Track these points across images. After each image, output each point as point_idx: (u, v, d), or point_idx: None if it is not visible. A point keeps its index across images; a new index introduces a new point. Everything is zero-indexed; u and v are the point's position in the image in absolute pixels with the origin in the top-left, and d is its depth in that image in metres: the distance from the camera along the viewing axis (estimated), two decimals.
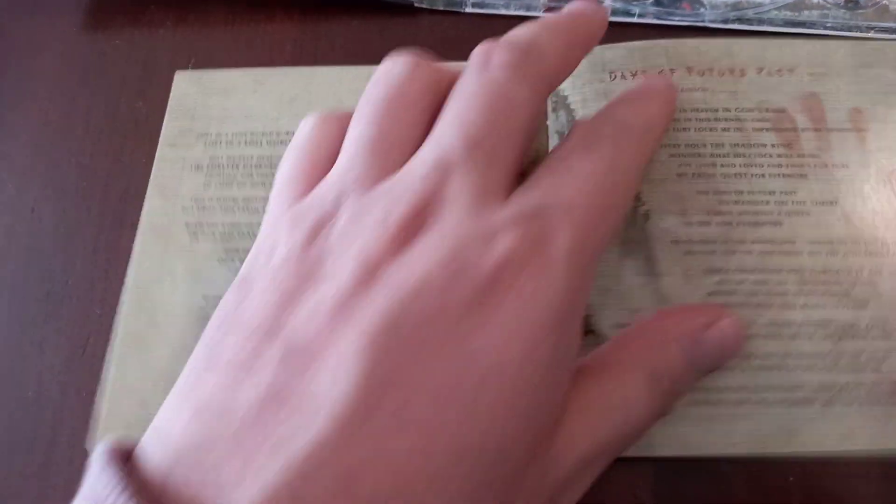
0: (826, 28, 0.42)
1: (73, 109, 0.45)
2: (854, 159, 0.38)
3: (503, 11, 0.45)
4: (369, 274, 0.23)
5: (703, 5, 0.44)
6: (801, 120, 0.39)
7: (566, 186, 0.26)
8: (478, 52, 0.29)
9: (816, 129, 0.38)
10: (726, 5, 0.44)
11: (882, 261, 0.35)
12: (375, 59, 0.33)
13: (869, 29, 0.42)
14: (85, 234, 0.41)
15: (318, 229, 0.26)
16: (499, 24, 0.44)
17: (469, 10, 0.45)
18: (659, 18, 0.44)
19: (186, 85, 0.44)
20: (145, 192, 0.41)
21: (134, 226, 0.40)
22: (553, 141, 0.39)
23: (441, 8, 0.45)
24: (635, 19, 0.44)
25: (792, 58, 0.40)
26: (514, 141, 0.27)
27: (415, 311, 0.22)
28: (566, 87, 0.40)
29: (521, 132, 0.27)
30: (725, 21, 0.43)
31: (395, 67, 0.30)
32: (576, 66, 0.33)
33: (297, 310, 0.23)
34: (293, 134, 0.40)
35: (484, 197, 0.25)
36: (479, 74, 0.28)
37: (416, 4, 0.45)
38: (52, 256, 0.41)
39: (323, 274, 0.24)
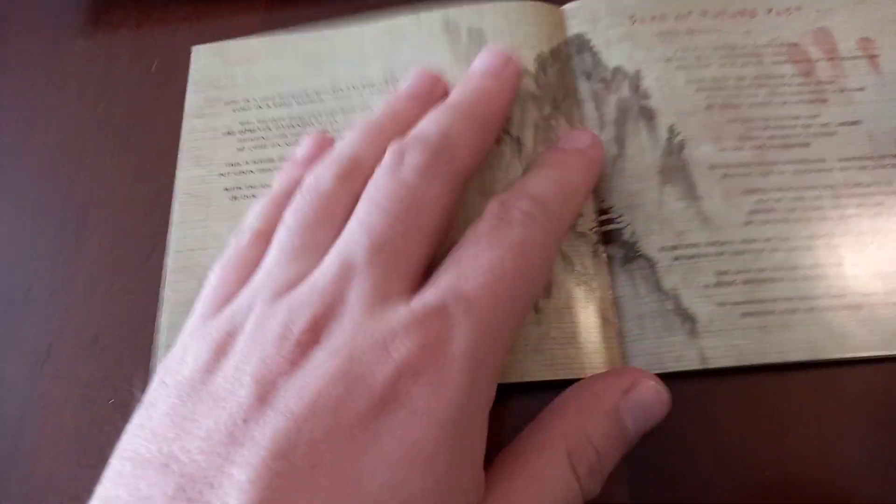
0: None
1: (33, 114, 0.43)
2: (870, 82, 0.38)
3: None
4: (265, 392, 0.22)
5: None
6: (814, 52, 0.39)
7: (468, 280, 0.25)
8: (390, 151, 0.28)
9: (830, 59, 0.39)
10: None
11: None
12: None
13: None
14: (45, 240, 0.40)
15: (225, 344, 0.24)
16: None
17: None
18: None
19: (207, 57, 0.43)
20: (107, 198, 0.40)
21: (96, 230, 0.39)
22: (581, 80, 0.39)
23: None
24: None
25: None
26: (421, 240, 0.27)
27: (307, 432, 0.21)
28: (588, 29, 0.40)
29: (431, 229, 0.27)
30: None
31: (320, 179, 0.29)
32: (489, 148, 0.33)
33: (192, 436, 0.22)
34: (321, 92, 0.40)
35: (384, 301, 0.24)
36: (390, 176, 0.27)
37: None
38: (11, 264, 0.39)
39: (221, 394, 0.23)
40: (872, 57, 0.39)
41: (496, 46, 0.36)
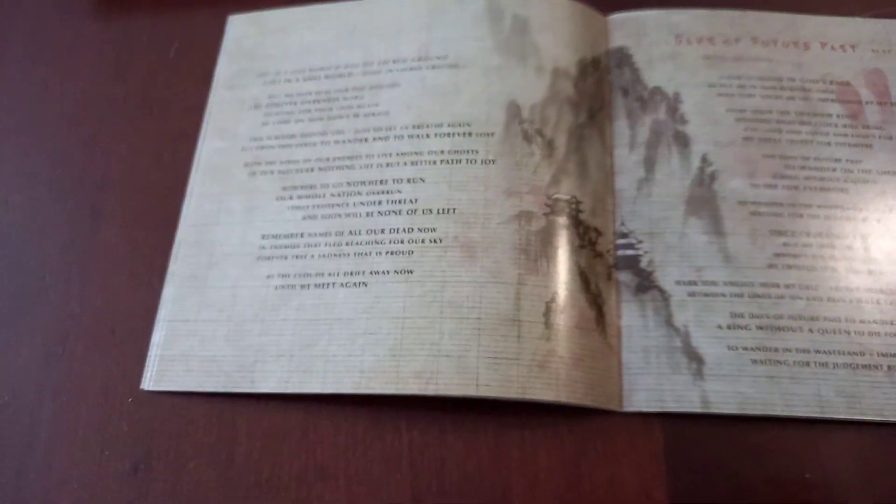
0: None
1: (44, 95, 0.42)
2: None
3: None
4: None
5: None
6: (865, 93, 0.37)
7: None
8: None
9: (881, 103, 0.37)
10: None
11: None
12: None
13: None
14: (60, 226, 0.38)
15: None
16: None
17: None
18: None
19: (244, 26, 0.42)
20: (121, 182, 0.38)
21: (112, 216, 0.37)
22: (616, 95, 0.37)
23: None
24: None
25: (854, 34, 0.38)
26: None
27: None
28: (631, 43, 0.38)
29: None
30: None
31: None
32: None
33: None
34: (351, 66, 0.38)
35: None
36: None
37: None
38: (24, 251, 0.37)
39: None
40: None
41: None
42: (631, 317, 0.33)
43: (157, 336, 0.34)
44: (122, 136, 0.40)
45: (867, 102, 0.37)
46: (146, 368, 0.34)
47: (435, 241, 0.33)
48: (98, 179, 0.39)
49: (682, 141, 0.36)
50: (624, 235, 0.34)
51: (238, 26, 0.42)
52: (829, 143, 0.35)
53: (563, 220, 0.34)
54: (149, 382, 0.33)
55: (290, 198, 0.36)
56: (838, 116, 0.36)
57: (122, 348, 0.35)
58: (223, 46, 0.41)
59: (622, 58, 0.38)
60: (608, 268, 0.34)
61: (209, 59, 0.41)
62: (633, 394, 0.31)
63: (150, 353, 0.34)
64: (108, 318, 0.35)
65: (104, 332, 0.35)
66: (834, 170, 0.35)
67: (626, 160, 0.36)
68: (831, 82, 0.37)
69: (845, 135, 0.36)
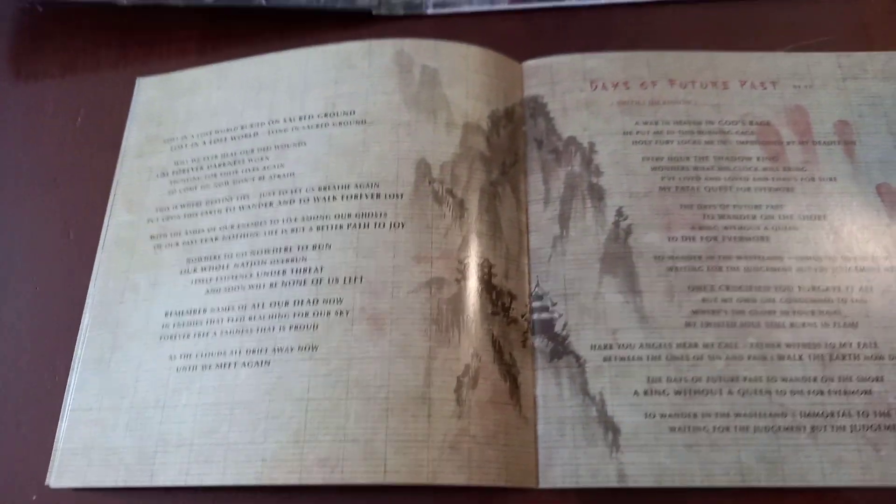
0: None
1: None
2: (842, 172, 0.34)
3: (467, 9, 0.41)
4: None
5: None
6: (786, 133, 0.35)
7: None
8: None
9: (802, 142, 0.35)
10: None
11: (873, 278, 0.32)
12: None
13: None
14: None
15: None
16: (464, 23, 0.41)
17: (431, 11, 0.41)
18: None
19: (152, 90, 0.40)
20: (27, 259, 0.36)
21: (16, 296, 0.36)
22: (531, 147, 0.35)
23: (401, 13, 0.41)
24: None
25: (775, 70, 0.37)
26: None
27: None
28: (545, 92, 0.36)
29: None
30: None
31: None
32: None
33: None
34: (257, 125, 0.36)
35: None
36: None
37: (374, 12, 0.41)
38: None
39: None
40: (848, 143, 0.35)
41: None
42: (547, 386, 0.31)
43: (62, 427, 0.32)
44: (28, 208, 0.38)
45: (788, 142, 0.35)
46: (51, 463, 0.32)
47: (341, 314, 0.31)
48: (2, 257, 0.37)
49: (597, 194, 0.34)
50: (539, 298, 0.32)
51: (146, 90, 0.40)
52: (748, 189, 0.34)
53: (475, 286, 0.32)
54: (53, 478, 0.31)
55: (194, 270, 0.34)
56: (758, 159, 0.35)
57: (27, 441, 0.33)
58: (131, 111, 0.39)
59: (536, 107, 0.36)
60: (523, 333, 0.32)
61: (118, 125, 0.39)
62: (550, 469, 0.30)
63: (55, 446, 0.32)
64: (13, 407, 0.33)
65: (9, 423, 0.33)
66: (754, 217, 0.33)
67: (541, 217, 0.34)
68: (751, 123, 0.35)
69: (765, 178, 0.34)
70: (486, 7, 0.41)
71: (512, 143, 0.36)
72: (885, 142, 0.35)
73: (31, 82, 0.42)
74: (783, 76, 0.37)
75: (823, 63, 0.37)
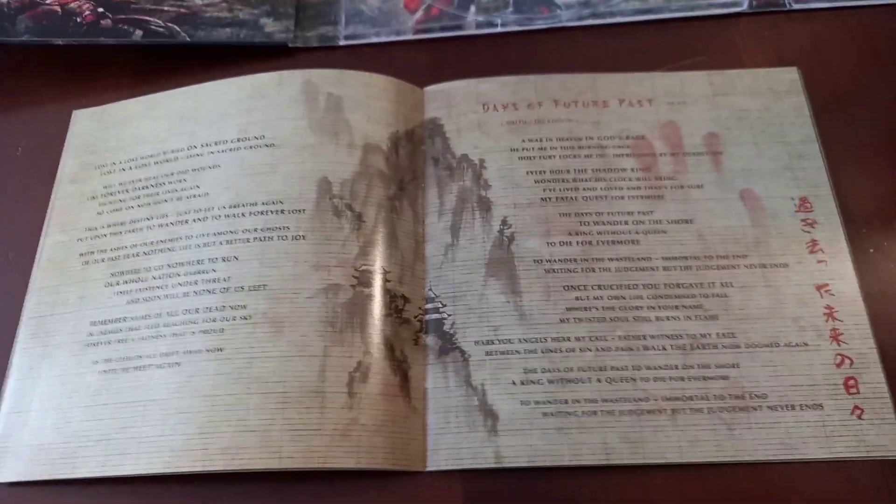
0: (671, 11, 0.44)
1: None
2: (709, 180, 0.37)
3: (375, 40, 0.45)
4: None
5: (558, 6, 0.44)
6: (660, 146, 0.39)
7: None
8: None
9: (673, 154, 0.38)
10: (580, 4, 0.44)
11: (733, 274, 0.35)
12: None
13: (709, 6, 0.44)
14: None
15: None
16: (373, 53, 0.44)
17: (343, 42, 0.45)
18: (521, 25, 0.44)
19: (87, 122, 0.43)
20: None
21: None
22: (429, 165, 0.39)
23: (315, 45, 0.45)
24: (499, 29, 0.44)
25: (651, 89, 0.40)
26: None
27: None
28: (443, 114, 0.40)
29: None
30: (581, 18, 0.44)
31: None
32: None
33: None
34: (177, 150, 0.40)
35: None
36: None
37: (290, 45, 0.44)
38: None
39: None
40: (716, 154, 0.38)
41: None
42: (435, 379, 0.34)
43: None
44: None
45: (661, 154, 0.38)
46: None
47: (245, 318, 0.34)
48: None
49: (485, 205, 0.37)
50: (431, 300, 0.35)
51: (81, 121, 0.43)
52: (622, 197, 0.37)
53: (369, 291, 0.35)
54: None
55: (118, 283, 0.37)
56: (633, 170, 0.38)
57: None
58: (67, 141, 0.42)
59: (434, 128, 0.40)
60: (415, 333, 0.35)
61: (56, 155, 0.42)
62: (436, 453, 0.32)
63: None
64: None
65: None
66: (626, 223, 0.36)
67: (435, 227, 0.37)
68: (627, 137, 0.39)
69: (638, 187, 0.37)
70: (392, 38, 0.44)
71: (411, 162, 0.39)
72: (750, 151, 0.38)
73: None
74: (659, 94, 0.40)
75: (696, 82, 0.40)
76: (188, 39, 0.44)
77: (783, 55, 0.42)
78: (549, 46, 0.43)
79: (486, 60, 0.43)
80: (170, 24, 0.44)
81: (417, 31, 0.44)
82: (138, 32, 0.44)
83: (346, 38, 0.45)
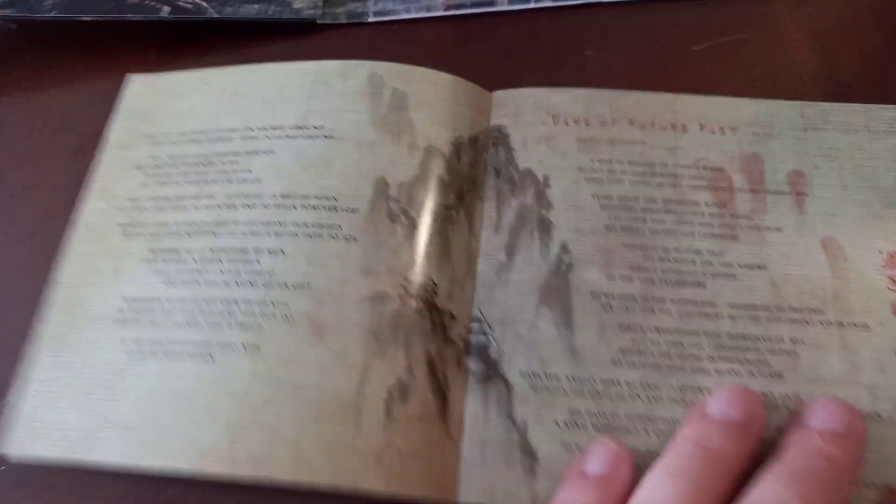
0: None
1: None
2: (789, 223, 0.35)
3: (404, 16, 0.44)
4: None
5: None
6: (739, 180, 0.36)
7: None
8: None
9: (753, 190, 0.36)
10: None
11: (805, 330, 0.33)
12: None
13: None
14: None
15: None
16: (401, 30, 0.43)
17: (371, 19, 0.44)
18: (555, 0, 0.43)
19: (141, 87, 0.41)
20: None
21: None
22: (489, 175, 0.37)
23: (344, 21, 0.44)
24: (532, 4, 0.44)
25: (736, 116, 0.37)
26: None
27: None
28: (509, 123, 0.38)
29: None
30: None
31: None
32: None
33: None
34: (232, 131, 0.38)
35: None
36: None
37: (318, 21, 0.44)
38: None
39: None
40: (800, 194, 0.36)
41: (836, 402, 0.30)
42: (475, 406, 0.32)
43: (10, 395, 0.34)
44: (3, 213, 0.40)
45: (739, 190, 0.36)
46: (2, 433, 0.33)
47: (286, 317, 0.33)
48: None
49: (545, 227, 0.35)
50: (478, 321, 0.34)
51: (136, 86, 0.41)
52: (692, 234, 0.35)
53: (417, 304, 0.33)
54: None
55: (156, 261, 0.35)
56: (706, 205, 0.35)
57: None
58: (119, 105, 0.41)
59: (499, 137, 0.37)
60: (458, 354, 0.33)
61: (85, 130, 0.41)
62: (468, 485, 0.31)
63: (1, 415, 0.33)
64: None
65: None
66: (693, 262, 0.34)
67: (490, 243, 0.35)
68: (704, 167, 0.36)
69: (711, 224, 0.35)
70: (422, 14, 0.44)
71: (472, 170, 0.37)
72: (837, 195, 0.35)
73: (2, 96, 0.44)
74: (743, 122, 0.37)
75: (785, 111, 0.38)
76: (216, 15, 0.43)
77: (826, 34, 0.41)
78: (584, 23, 0.43)
79: (519, 38, 0.42)
80: (197, 1, 0.43)
81: (448, 7, 0.43)
82: (166, 9, 0.43)
83: (375, 14, 0.44)
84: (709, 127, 0.37)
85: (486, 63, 0.42)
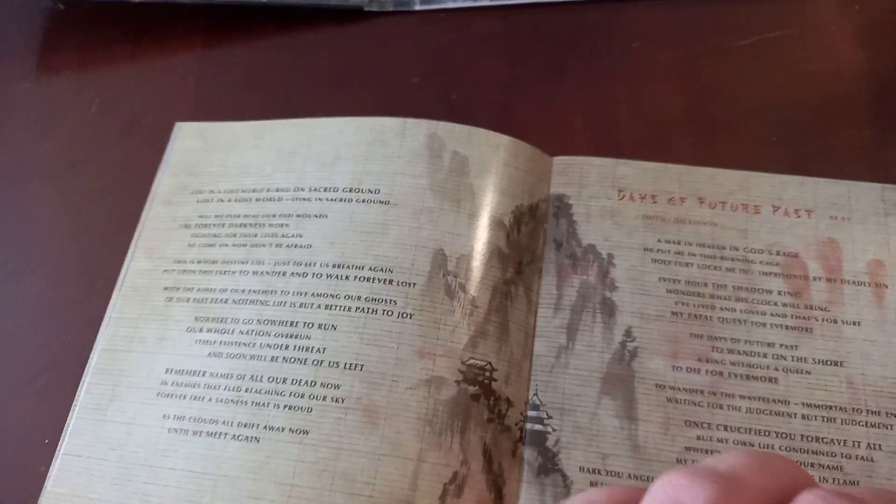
0: None
1: None
2: (868, 317, 0.33)
3: (451, 5, 0.44)
4: None
5: None
6: (814, 268, 0.34)
7: None
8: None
9: (830, 280, 0.34)
10: None
11: (884, 434, 0.31)
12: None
13: None
14: None
15: None
16: (448, 19, 0.44)
17: (418, 7, 0.44)
18: None
19: (191, 139, 0.40)
20: (49, 235, 0.39)
21: (36, 269, 0.38)
22: (549, 248, 0.35)
23: (391, 9, 0.44)
24: None
25: (812, 197, 0.36)
26: None
27: None
28: (572, 192, 0.36)
29: None
30: None
31: None
32: None
33: None
34: (283, 190, 0.37)
35: None
36: None
37: (365, 9, 0.44)
38: None
39: None
40: (880, 286, 0.34)
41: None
42: (530, 501, 0.31)
43: (53, 469, 0.32)
44: (49, 191, 0.40)
45: (815, 278, 0.34)
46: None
47: (337, 401, 0.31)
48: (25, 234, 0.39)
49: (609, 309, 0.33)
50: (535, 408, 0.32)
51: (186, 137, 0.40)
52: (764, 325, 0.33)
53: (474, 389, 0.32)
54: None
55: (201, 330, 0.34)
56: (780, 293, 0.34)
57: (16, 479, 0.33)
58: (165, 157, 0.40)
59: (561, 207, 0.36)
60: (514, 443, 0.32)
61: (129, 114, 0.42)
62: None
63: (44, 487, 0.32)
64: (30, 367, 0.35)
65: (25, 380, 0.35)
66: (765, 356, 0.32)
67: (549, 323, 0.33)
68: (778, 253, 0.34)
69: (784, 315, 0.33)
70: (469, 3, 0.43)
71: (531, 241, 0.35)
72: None
73: (51, 75, 0.45)
74: (820, 205, 0.35)
75: (866, 194, 0.36)
76: (263, 0, 0.43)
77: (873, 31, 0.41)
78: (631, 17, 0.43)
79: (566, 30, 0.42)
80: None
81: None
82: None
83: (423, 2, 0.44)
84: (783, 209, 0.35)
85: (534, 55, 0.42)
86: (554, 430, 0.31)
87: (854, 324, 0.33)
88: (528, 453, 0.31)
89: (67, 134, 0.42)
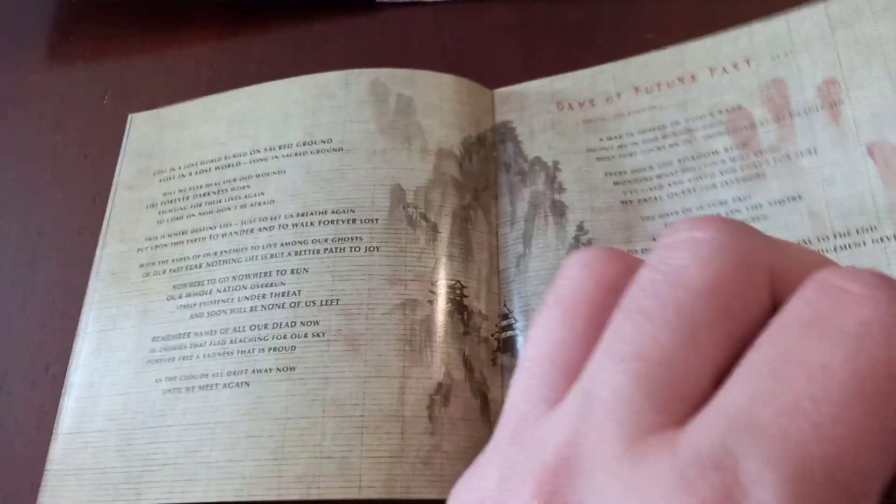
0: None
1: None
2: (824, 140, 0.32)
3: None
4: None
5: None
6: (760, 114, 0.33)
7: (771, 409, 0.14)
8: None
9: (778, 118, 0.33)
10: None
11: (858, 254, 0.29)
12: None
13: None
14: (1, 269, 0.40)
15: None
16: (462, 10, 0.43)
17: None
18: None
19: (143, 125, 0.41)
20: (62, 225, 0.40)
21: (50, 259, 0.39)
22: (501, 173, 0.36)
23: (403, 0, 0.44)
24: None
25: (749, 46, 0.35)
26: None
27: None
28: (514, 117, 0.37)
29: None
30: None
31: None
32: None
33: None
34: (240, 156, 0.38)
35: (640, 441, 0.15)
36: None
37: (377, 0, 0.44)
38: None
39: None
40: (834, 105, 0.32)
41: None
42: None
43: (54, 449, 0.33)
44: (61, 180, 0.42)
45: (761, 123, 0.33)
46: (43, 484, 0.33)
47: (317, 335, 0.33)
48: (38, 224, 0.40)
49: (559, 210, 0.34)
50: (505, 317, 0.33)
51: (139, 125, 0.41)
52: (714, 186, 0.33)
53: (447, 307, 0.33)
54: (46, 500, 0.33)
55: (181, 296, 0.35)
56: (727, 150, 0.33)
57: (19, 463, 0.34)
58: (123, 147, 0.41)
59: (506, 132, 0.37)
60: (493, 352, 0.33)
61: (142, 105, 0.43)
62: None
63: (47, 468, 0.33)
64: (45, 356, 0.36)
65: (39, 370, 0.36)
66: (719, 214, 0.32)
67: (508, 238, 0.35)
68: (720, 112, 0.34)
69: (734, 170, 0.33)
70: None
71: (483, 168, 0.36)
72: (882, 89, 0.31)
73: (64, 65, 0.46)
74: (759, 50, 0.34)
75: (809, 18, 0.34)
76: None
77: None
78: (646, 7, 0.41)
79: (581, 21, 0.41)
80: None
81: None
82: None
83: None
84: (721, 68, 0.35)
85: (548, 46, 0.41)
86: (522, 331, 0.32)
87: (810, 153, 0.32)
88: (506, 359, 0.32)
89: (80, 123, 0.43)
